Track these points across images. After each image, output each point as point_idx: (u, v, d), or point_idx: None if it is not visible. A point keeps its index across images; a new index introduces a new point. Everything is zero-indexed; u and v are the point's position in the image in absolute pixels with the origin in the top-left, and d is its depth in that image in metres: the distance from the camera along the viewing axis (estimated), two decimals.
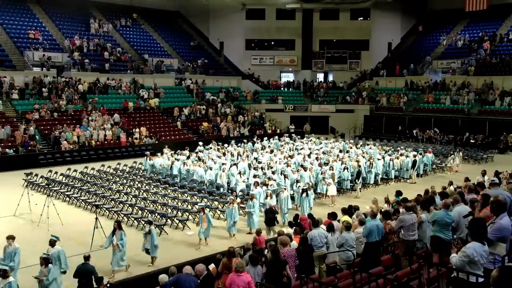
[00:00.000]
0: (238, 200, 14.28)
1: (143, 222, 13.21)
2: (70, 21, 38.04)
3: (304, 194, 14.91)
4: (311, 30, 43.42)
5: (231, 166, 18.73)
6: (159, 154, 22.20)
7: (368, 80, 41.94)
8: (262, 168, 18.56)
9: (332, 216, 10.61)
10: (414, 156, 21.37)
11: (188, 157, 21.84)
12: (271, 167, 18.57)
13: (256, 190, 14.77)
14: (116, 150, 27.19)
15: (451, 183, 15.28)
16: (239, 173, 17.57)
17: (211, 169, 18.83)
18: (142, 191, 17.42)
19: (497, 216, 6.03)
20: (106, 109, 30.41)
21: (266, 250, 8.72)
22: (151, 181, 19.45)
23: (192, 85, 37.97)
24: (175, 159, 20.93)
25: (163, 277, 7.82)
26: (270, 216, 12.74)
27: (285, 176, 16.75)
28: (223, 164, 19.44)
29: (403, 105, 36.73)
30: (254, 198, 13.76)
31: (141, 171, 21.80)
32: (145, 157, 21.69)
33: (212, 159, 20.38)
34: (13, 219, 14.98)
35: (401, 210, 10.00)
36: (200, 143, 25.75)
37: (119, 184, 18.61)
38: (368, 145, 25.91)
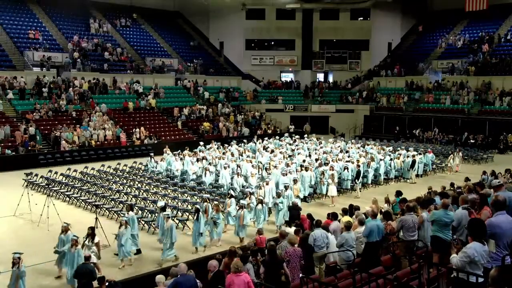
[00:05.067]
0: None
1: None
2: (70, 21, 38.05)
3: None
4: (311, 30, 43.37)
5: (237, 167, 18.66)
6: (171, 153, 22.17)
7: (368, 81, 41.92)
8: (266, 169, 18.52)
9: (333, 216, 10.61)
10: (414, 156, 21.37)
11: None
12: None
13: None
14: (116, 150, 27.18)
15: (452, 185, 15.23)
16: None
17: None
18: (142, 191, 17.42)
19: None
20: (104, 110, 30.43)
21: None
22: (151, 181, 19.44)
23: (189, 83, 37.99)
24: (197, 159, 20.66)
25: (160, 278, 7.77)
26: (294, 213, 12.53)
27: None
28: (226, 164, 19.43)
29: (403, 105, 36.73)
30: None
31: (141, 171, 21.79)
32: (150, 158, 21.74)
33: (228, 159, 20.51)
34: (13, 219, 14.98)
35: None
36: (201, 143, 25.76)
37: (119, 184, 18.58)
38: (368, 145, 25.90)
